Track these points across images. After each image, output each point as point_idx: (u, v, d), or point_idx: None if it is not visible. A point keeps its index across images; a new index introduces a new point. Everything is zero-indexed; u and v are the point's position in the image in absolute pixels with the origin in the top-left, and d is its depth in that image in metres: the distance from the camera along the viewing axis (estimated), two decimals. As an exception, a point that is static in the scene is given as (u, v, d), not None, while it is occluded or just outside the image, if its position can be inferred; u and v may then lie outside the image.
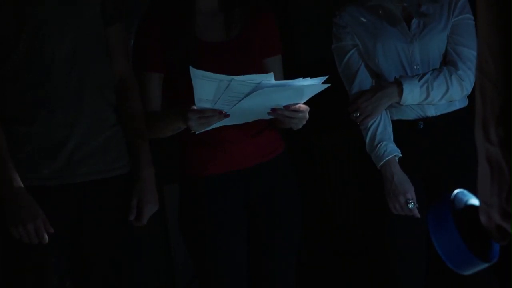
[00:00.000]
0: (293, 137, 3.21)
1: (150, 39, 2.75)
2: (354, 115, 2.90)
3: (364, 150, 2.92)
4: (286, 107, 2.56)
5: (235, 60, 2.72)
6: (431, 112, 2.91)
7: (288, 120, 2.62)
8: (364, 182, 3.03)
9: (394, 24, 2.90)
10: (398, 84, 2.85)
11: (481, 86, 1.50)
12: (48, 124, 2.53)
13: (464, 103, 2.97)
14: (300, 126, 2.69)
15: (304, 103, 2.59)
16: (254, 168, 2.77)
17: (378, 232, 3.00)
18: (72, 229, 2.60)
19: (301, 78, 2.48)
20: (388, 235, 2.95)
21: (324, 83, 2.49)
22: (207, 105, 2.48)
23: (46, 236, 2.49)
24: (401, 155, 2.87)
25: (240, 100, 2.45)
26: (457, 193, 1.68)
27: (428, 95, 2.85)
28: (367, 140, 2.89)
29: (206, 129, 2.56)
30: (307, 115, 2.63)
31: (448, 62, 2.91)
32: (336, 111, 3.41)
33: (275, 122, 2.75)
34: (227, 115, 2.50)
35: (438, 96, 2.87)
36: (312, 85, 2.49)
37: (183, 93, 2.64)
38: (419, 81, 2.85)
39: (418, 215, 2.84)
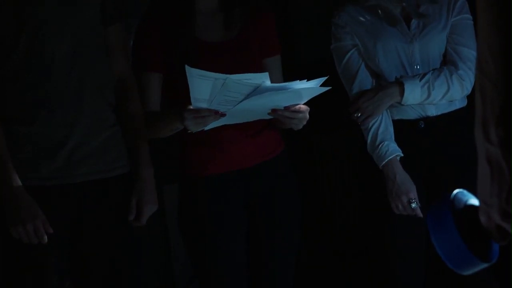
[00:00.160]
0: (293, 137, 3.21)
1: (149, 39, 2.75)
2: (355, 115, 2.90)
3: (364, 150, 2.92)
4: (286, 108, 2.56)
5: (235, 60, 2.72)
6: (432, 111, 2.91)
7: (289, 120, 2.62)
8: (364, 182, 3.03)
9: (393, 24, 2.90)
10: (399, 84, 2.85)
11: (481, 86, 1.50)
12: (48, 124, 2.53)
13: (464, 102, 2.97)
14: (301, 127, 2.68)
15: (304, 103, 2.59)
16: (254, 168, 2.77)
17: (378, 232, 3.00)
18: (72, 229, 2.59)
19: (299, 81, 2.47)
20: (388, 235, 2.95)
21: (323, 85, 2.49)
22: (203, 105, 2.48)
23: (45, 236, 2.49)
24: (402, 155, 2.87)
25: (239, 103, 2.45)
26: (457, 193, 1.68)
27: (429, 95, 2.86)
28: (369, 140, 2.89)
29: (202, 129, 2.56)
30: (307, 116, 2.63)
31: (448, 62, 2.91)
32: (336, 111, 3.41)
33: (275, 122, 2.75)
34: (223, 115, 2.50)
35: (439, 96, 2.87)
36: (311, 87, 2.49)
37: (182, 93, 2.63)
38: (420, 81, 2.85)
39: (421, 215, 2.84)
